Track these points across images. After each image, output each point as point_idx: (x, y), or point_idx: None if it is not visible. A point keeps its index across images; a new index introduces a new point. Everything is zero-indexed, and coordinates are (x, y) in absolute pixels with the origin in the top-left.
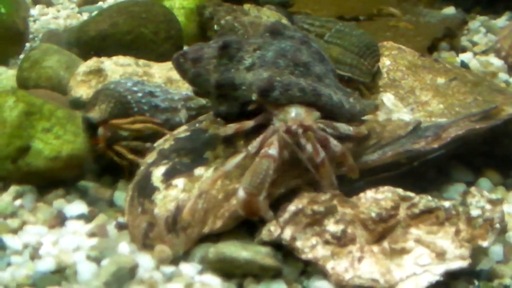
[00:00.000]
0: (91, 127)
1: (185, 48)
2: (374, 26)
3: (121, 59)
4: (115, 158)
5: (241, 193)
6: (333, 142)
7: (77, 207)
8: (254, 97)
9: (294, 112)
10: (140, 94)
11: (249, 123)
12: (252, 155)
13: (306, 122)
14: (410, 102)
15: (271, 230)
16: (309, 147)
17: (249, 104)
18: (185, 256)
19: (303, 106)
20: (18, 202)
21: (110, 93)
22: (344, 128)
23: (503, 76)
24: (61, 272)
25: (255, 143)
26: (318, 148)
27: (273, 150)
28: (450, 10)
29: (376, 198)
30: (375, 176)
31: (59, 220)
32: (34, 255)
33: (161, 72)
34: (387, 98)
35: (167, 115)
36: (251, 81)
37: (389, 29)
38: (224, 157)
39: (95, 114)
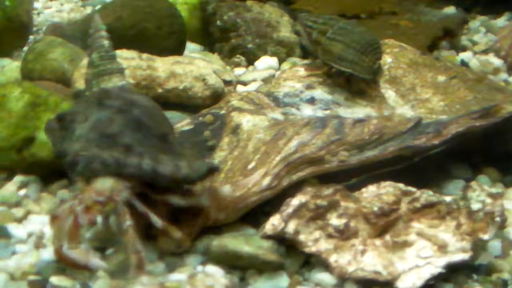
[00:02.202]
0: None
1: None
2: (375, 24)
3: (125, 52)
4: None
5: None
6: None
7: None
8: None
9: (100, 184)
10: None
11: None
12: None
13: (105, 193)
14: (411, 99)
15: (275, 224)
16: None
17: None
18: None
19: (114, 178)
20: (22, 192)
21: None
22: (175, 200)
23: (503, 75)
24: None
25: (65, 206)
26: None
27: (78, 208)
28: (450, 9)
29: (378, 193)
30: (376, 171)
31: None
32: (39, 244)
33: (165, 66)
34: (388, 95)
35: None
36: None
37: (390, 27)
38: None
39: None
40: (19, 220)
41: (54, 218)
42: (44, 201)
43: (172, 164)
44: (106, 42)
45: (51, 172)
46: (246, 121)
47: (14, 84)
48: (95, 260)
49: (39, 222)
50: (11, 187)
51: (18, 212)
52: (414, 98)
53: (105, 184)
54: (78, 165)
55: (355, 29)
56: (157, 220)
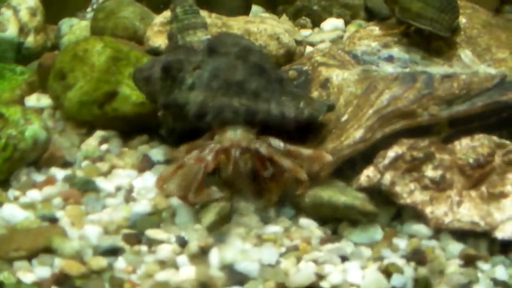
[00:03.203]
0: None
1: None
2: None
3: None
4: None
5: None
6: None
7: (163, 152)
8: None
9: (231, 133)
10: None
11: (198, 144)
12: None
13: (242, 143)
14: (487, 59)
15: (370, 175)
16: (248, 168)
17: None
18: (277, 201)
19: (241, 126)
20: (104, 147)
21: None
22: (276, 143)
23: None
24: (158, 215)
25: (193, 154)
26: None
27: (208, 156)
28: None
29: (472, 145)
30: (465, 126)
31: (147, 164)
32: (128, 198)
33: (239, 24)
34: (465, 54)
35: None
36: (191, 101)
37: None
38: None
39: None
40: (105, 175)
41: (179, 167)
42: (127, 155)
43: (295, 107)
44: None
45: (131, 127)
46: (336, 75)
47: (95, 39)
48: (217, 193)
49: (125, 176)
50: (92, 142)
51: (103, 166)
52: (490, 58)
53: (236, 133)
54: (207, 116)
55: None
56: (287, 162)
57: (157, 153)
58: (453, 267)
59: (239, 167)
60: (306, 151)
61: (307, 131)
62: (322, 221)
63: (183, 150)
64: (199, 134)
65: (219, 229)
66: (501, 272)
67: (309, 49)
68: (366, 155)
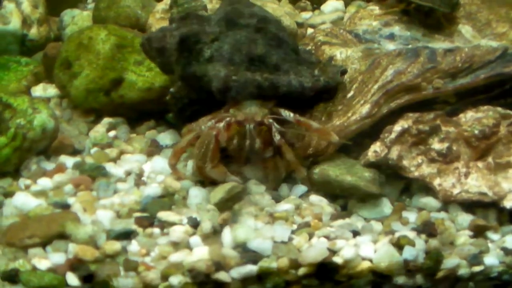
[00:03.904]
0: None
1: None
2: None
3: None
4: None
5: (194, 161)
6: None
7: (171, 136)
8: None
9: (247, 108)
10: None
11: (213, 116)
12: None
13: (256, 118)
14: (488, 33)
15: (377, 150)
16: (258, 143)
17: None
18: (287, 178)
19: (259, 100)
20: (112, 133)
21: None
22: (287, 114)
23: None
24: (169, 197)
25: (207, 124)
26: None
27: (220, 124)
28: None
29: (477, 117)
30: (470, 98)
31: (156, 148)
32: (139, 182)
33: None
34: (465, 30)
35: None
36: (211, 74)
37: None
38: None
39: None
40: (114, 160)
41: (194, 139)
42: (135, 141)
43: (311, 75)
44: None
45: (138, 114)
46: (339, 52)
47: (99, 27)
48: (232, 177)
49: (134, 161)
50: (100, 129)
51: (112, 152)
52: (490, 32)
53: (251, 108)
54: (231, 91)
55: None
56: (315, 124)
57: (164, 137)
58: (463, 238)
59: (252, 141)
60: (315, 124)
61: (323, 95)
62: (332, 198)
63: (199, 123)
64: (212, 108)
65: (228, 207)
66: (511, 242)
67: (310, 31)
68: (373, 131)
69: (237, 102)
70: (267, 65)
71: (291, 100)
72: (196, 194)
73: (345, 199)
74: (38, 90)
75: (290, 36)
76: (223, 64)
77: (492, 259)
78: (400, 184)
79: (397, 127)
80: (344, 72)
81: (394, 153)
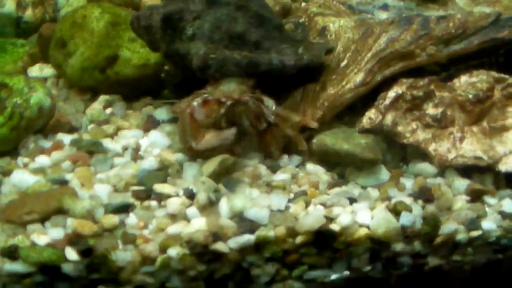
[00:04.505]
0: None
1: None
2: None
3: None
4: None
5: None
6: (267, 113)
7: (167, 112)
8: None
9: (225, 85)
10: None
11: (196, 95)
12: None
13: (233, 95)
14: (481, 1)
15: (372, 117)
16: (244, 120)
17: None
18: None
19: (237, 78)
20: (108, 110)
21: None
22: (268, 103)
23: None
24: (165, 170)
25: (182, 104)
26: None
27: (194, 102)
28: None
29: (471, 81)
30: (465, 63)
31: (153, 124)
32: (136, 156)
33: None
34: None
35: None
36: (192, 52)
37: None
38: None
39: None
40: (111, 136)
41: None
42: (132, 117)
43: (294, 53)
44: None
45: (134, 90)
46: (332, 23)
47: (93, 5)
48: (224, 133)
49: (131, 136)
50: (97, 106)
51: (109, 128)
52: (484, 0)
53: (229, 85)
54: (210, 68)
55: None
56: (294, 116)
57: (161, 113)
58: (461, 203)
59: (240, 119)
60: (295, 117)
61: (308, 74)
62: (330, 167)
63: (185, 101)
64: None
65: (224, 177)
66: (508, 205)
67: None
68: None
69: (217, 80)
70: (247, 43)
71: (273, 79)
72: (191, 166)
73: (343, 167)
74: (35, 71)
75: (273, 14)
76: (204, 42)
77: (489, 224)
78: (402, 152)
79: (391, 93)
80: (330, 50)
81: (389, 119)
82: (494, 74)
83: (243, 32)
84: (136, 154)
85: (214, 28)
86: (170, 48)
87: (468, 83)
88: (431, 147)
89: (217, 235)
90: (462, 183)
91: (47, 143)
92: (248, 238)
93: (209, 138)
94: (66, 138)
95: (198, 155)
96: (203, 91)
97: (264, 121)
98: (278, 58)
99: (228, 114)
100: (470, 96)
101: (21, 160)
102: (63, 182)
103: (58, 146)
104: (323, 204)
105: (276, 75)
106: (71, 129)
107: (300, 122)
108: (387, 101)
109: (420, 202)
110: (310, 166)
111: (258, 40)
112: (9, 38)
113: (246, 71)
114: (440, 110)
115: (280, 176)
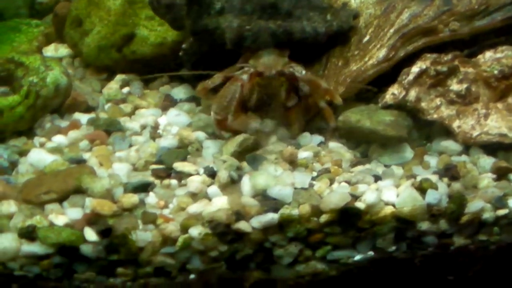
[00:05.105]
0: None
1: None
2: None
3: None
4: None
5: (212, 115)
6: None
7: (185, 91)
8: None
9: (265, 58)
10: None
11: (233, 69)
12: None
13: (277, 67)
14: None
15: (395, 93)
16: (282, 92)
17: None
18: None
19: (275, 49)
20: (125, 89)
21: None
22: (299, 70)
23: None
24: (185, 148)
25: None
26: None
27: (244, 76)
28: None
29: (496, 57)
30: (488, 41)
31: (170, 102)
32: (154, 135)
33: None
34: None
35: None
36: (223, 26)
37: None
38: None
39: None
40: (129, 115)
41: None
42: (149, 96)
43: (323, 20)
44: None
45: (151, 69)
46: None
47: None
48: (253, 124)
49: (149, 115)
50: (114, 85)
51: (126, 108)
52: None
53: (269, 57)
54: (246, 40)
55: None
56: (324, 83)
57: (178, 92)
58: (486, 180)
59: (276, 91)
60: (324, 83)
61: (332, 43)
62: (354, 145)
63: (214, 80)
64: (224, 63)
65: (243, 157)
66: None
67: None
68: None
69: (253, 53)
70: (279, 12)
71: (305, 47)
72: (211, 145)
73: (367, 145)
74: (50, 51)
75: None
76: (235, 15)
77: None
78: (427, 129)
79: (415, 68)
80: (356, 16)
81: (412, 95)
82: None
83: (275, 1)
84: (155, 133)
85: (245, 0)
86: (198, 24)
87: (493, 58)
88: (455, 124)
89: (240, 214)
90: (487, 161)
91: (63, 123)
92: (271, 216)
93: (243, 122)
94: (83, 117)
95: (223, 130)
96: (241, 65)
97: (295, 95)
98: (310, 26)
99: (268, 87)
100: (495, 72)
101: (37, 139)
102: (81, 161)
103: (75, 125)
104: (348, 182)
105: (309, 43)
106: (87, 109)
107: (327, 90)
108: (411, 77)
109: (445, 180)
110: (333, 144)
111: (290, 8)
112: (24, 19)
113: (282, 40)
114: (464, 86)
115: (303, 154)
